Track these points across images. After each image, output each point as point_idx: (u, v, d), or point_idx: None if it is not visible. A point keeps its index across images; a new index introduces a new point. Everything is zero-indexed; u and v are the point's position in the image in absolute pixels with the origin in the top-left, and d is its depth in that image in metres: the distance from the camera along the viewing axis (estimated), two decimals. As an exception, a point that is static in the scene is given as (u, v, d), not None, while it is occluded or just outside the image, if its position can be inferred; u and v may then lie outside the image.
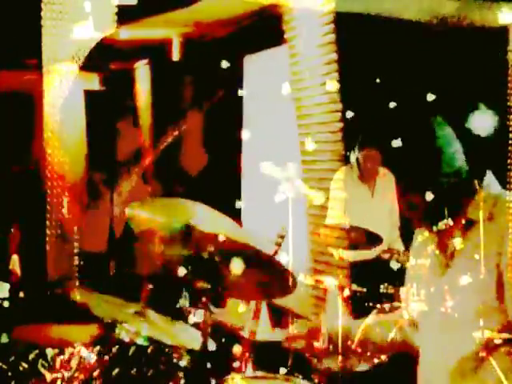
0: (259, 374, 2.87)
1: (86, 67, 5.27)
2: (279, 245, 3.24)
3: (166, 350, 2.98)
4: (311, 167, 5.79)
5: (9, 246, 6.69)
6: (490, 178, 2.51)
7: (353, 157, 5.48)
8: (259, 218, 6.63)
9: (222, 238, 2.65)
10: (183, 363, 2.91)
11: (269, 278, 2.73)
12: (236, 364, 3.12)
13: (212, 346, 2.73)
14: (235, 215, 3.04)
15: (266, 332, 5.01)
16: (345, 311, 3.18)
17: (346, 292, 3.46)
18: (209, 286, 2.68)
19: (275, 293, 2.94)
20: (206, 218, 2.99)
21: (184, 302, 3.97)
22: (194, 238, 2.73)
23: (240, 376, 2.71)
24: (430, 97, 2.45)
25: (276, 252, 3.23)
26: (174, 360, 2.89)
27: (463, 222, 2.45)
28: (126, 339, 2.91)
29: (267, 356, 3.25)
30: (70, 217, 5.63)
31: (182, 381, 2.88)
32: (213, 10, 6.57)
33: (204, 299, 2.70)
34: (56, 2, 4.48)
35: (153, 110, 7.98)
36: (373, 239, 4.29)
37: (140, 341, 2.88)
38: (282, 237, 3.25)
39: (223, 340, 3.57)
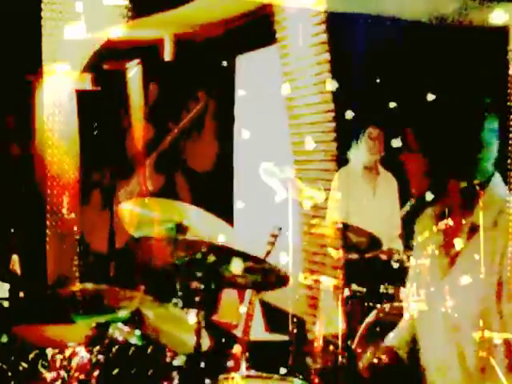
0: (253, 373, 2.87)
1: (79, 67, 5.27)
2: (272, 244, 3.24)
3: (160, 349, 2.97)
4: (304, 167, 5.78)
5: (9, 246, 6.67)
6: (497, 179, 2.47)
7: (354, 150, 5.48)
8: (253, 218, 6.62)
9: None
10: (177, 363, 2.90)
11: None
12: (230, 363, 3.11)
13: (205, 345, 2.72)
14: (228, 216, 3.04)
15: (259, 332, 5.02)
16: (340, 311, 3.17)
17: (342, 292, 3.45)
18: (202, 286, 2.68)
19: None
20: (199, 221, 2.99)
21: (177, 302, 3.95)
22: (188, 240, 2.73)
23: (235, 375, 2.71)
24: (430, 97, 2.45)
25: (269, 252, 3.23)
26: (168, 359, 2.88)
27: (468, 225, 2.40)
28: (120, 338, 2.89)
29: (261, 355, 3.25)
30: (70, 217, 5.62)
31: (176, 381, 2.87)
32: (205, 11, 6.56)
33: (197, 299, 2.69)
34: (56, 2, 4.48)
35: (145, 109, 7.97)
36: (374, 243, 4.30)
37: (134, 340, 2.86)
38: (275, 236, 3.25)
39: (217, 339, 3.56)
